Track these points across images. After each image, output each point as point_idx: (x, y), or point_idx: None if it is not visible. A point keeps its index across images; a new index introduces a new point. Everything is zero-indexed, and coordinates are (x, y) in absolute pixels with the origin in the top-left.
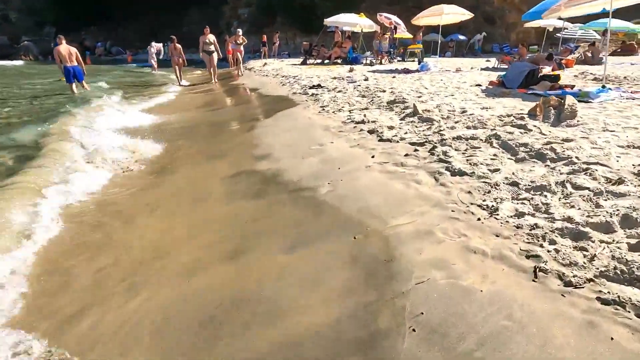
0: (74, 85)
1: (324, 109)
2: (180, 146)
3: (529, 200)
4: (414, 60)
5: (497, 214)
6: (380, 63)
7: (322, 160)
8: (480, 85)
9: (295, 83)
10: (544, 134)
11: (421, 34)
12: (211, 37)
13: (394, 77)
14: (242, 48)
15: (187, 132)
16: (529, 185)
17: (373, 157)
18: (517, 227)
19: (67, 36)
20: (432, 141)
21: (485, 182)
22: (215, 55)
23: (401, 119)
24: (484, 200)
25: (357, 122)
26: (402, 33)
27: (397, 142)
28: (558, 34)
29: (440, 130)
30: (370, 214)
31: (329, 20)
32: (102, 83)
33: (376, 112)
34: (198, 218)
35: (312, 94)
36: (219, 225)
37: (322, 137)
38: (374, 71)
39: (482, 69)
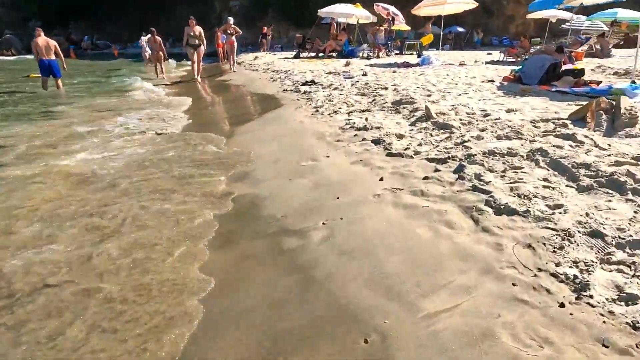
0: (48, 80)
1: (318, 111)
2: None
3: (631, 266)
4: (412, 53)
5: (590, 296)
6: (378, 56)
7: (315, 183)
8: (492, 81)
9: (286, 79)
10: (603, 149)
11: (430, 25)
12: (197, 29)
13: (394, 71)
14: (234, 39)
15: None
16: (619, 237)
17: (382, 179)
18: (635, 328)
19: (53, 30)
20: (456, 157)
21: (550, 229)
22: (201, 49)
23: (411, 125)
24: (558, 264)
25: (358, 129)
26: (400, 24)
27: (411, 157)
28: (563, 25)
29: (465, 142)
30: (388, 290)
31: (323, 11)
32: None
33: (379, 114)
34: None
35: (305, 92)
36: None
37: (315, 148)
38: (371, 65)
39: (486, 63)
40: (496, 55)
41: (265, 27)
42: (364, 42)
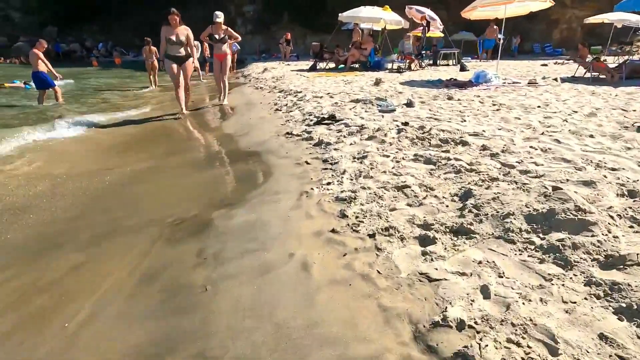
0: (44, 93)
1: (345, 216)
2: None
3: None
4: (448, 64)
5: None
6: (409, 68)
7: None
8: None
9: (295, 107)
10: None
11: (495, 26)
12: (182, 32)
13: (449, 97)
14: (226, 50)
15: None
16: None
17: None
18: None
19: (70, 35)
20: None
21: None
22: (188, 65)
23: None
24: None
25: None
26: (434, 31)
27: None
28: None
29: None
30: None
31: (345, 15)
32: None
33: (500, 250)
34: None
35: (319, 142)
36: None
37: None
38: (408, 83)
39: (562, 80)
40: (558, 68)
41: (289, 33)
42: (393, 51)
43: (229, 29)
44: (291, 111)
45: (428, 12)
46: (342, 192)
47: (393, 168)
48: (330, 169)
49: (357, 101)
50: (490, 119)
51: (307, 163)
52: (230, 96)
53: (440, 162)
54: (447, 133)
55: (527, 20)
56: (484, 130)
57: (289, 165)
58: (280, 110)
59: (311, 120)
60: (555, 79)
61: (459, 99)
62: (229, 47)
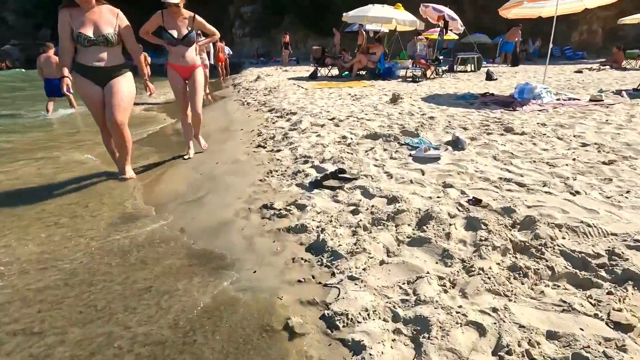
0: (51, 104)
1: None
2: None
3: None
4: (465, 70)
5: None
6: (425, 76)
7: None
8: None
9: (284, 143)
10: None
11: (520, 31)
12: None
13: (507, 130)
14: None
15: None
16: None
17: None
18: None
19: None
20: None
21: None
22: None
23: None
24: None
25: None
26: (450, 34)
27: None
28: None
29: None
30: None
31: (350, 15)
32: None
33: None
34: None
35: (320, 248)
36: None
37: None
38: (431, 99)
39: (629, 94)
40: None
41: (287, 35)
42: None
43: (201, 19)
44: (279, 149)
45: (447, 11)
46: None
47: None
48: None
49: (376, 136)
50: (612, 185)
51: (296, 333)
52: (209, 114)
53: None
54: (572, 234)
55: (546, 21)
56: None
57: (254, 329)
58: (264, 147)
59: (306, 175)
60: (619, 93)
61: (522, 132)
62: (208, 51)
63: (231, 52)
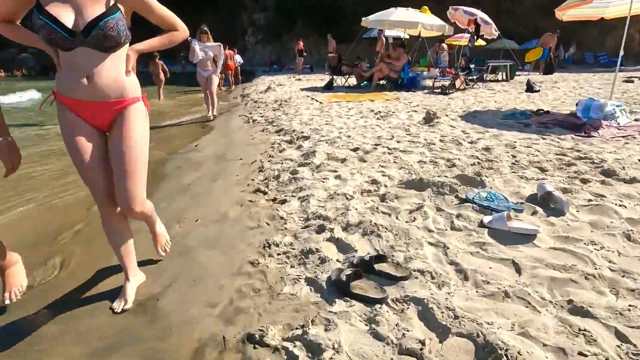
0: None
1: None
2: None
3: None
4: (497, 80)
5: None
6: (453, 86)
7: None
8: None
9: (292, 187)
10: None
11: (556, 38)
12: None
13: (608, 174)
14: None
15: None
16: None
17: None
18: None
19: None
20: None
21: None
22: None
23: None
24: None
25: None
26: (479, 41)
27: None
28: None
29: None
30: None
31: (371, 19)
32: None
33: None
34: None
35: None
36: None
37: None
38: (472, 117)
39: None
40: None
41: (301, 41)
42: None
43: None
44: (284, 199)
45: (480, 14)
46: None
47: None
48: None
49: (422, 185)
50: None
51: None
52: (206, 136)
53: None
54: None
55: (579, 26)
56: None
57: None
58: (265, 193)
59: (321, 259)
60: None
61: (633, 178)
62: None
63: (242, 61)
